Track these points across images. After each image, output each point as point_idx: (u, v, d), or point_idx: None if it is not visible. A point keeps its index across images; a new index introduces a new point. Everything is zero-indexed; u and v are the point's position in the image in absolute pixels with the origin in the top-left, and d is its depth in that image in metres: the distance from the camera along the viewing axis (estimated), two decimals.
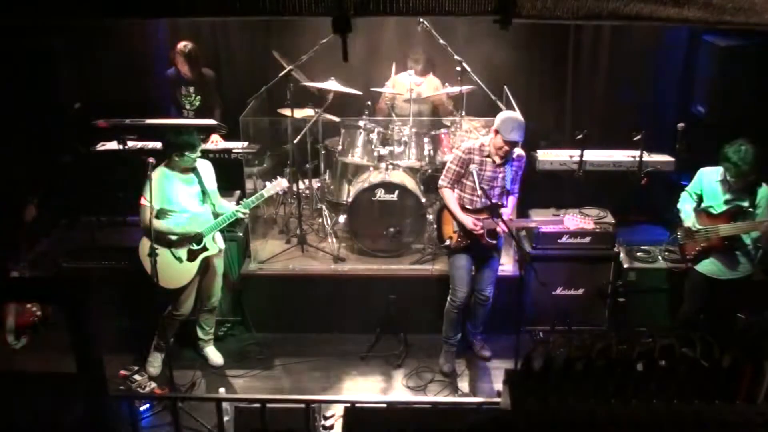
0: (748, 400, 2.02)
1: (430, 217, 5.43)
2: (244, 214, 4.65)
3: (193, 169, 4.54)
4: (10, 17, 1.67)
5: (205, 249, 4.61)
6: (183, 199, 4.50)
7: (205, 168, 4.65)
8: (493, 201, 4.43)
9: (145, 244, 4.48)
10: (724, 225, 4.33)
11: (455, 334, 4.90)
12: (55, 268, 5.26)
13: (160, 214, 4.46)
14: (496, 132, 4.31)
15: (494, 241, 4.61)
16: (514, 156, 4.47)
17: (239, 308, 5.42)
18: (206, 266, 4.73)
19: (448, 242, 4.64)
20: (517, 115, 4.45)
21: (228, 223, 4.61)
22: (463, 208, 4.57)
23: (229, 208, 4.65)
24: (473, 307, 4.87)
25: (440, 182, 4.64)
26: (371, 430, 2.56)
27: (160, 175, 4.46)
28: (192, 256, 4.59)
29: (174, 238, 4.52)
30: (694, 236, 4.47)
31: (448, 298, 4.75)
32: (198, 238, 4.55)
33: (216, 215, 4.61)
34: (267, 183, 4.76)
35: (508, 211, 4.52)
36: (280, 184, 4.75)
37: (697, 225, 4.46)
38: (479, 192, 4.36)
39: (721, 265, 4.43)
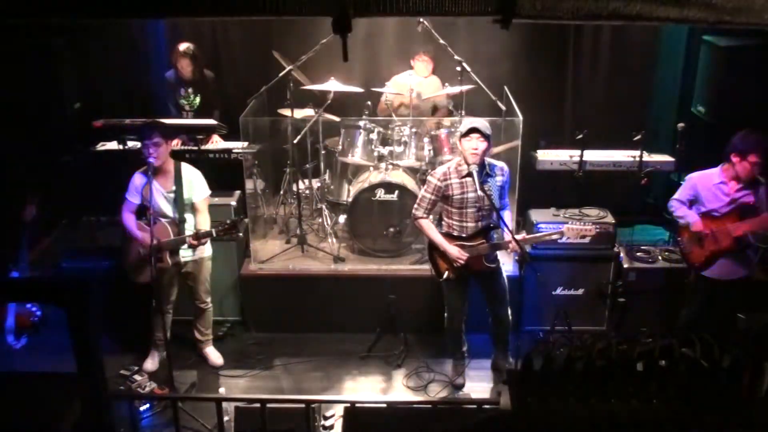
0: (748, 400, 2.02)
1: None
2: (192, 244, 4.52)
3: (177, 175, 4.54)
4: (10, 16, 1.67)
5: (159, 260, 4.47)
6: (157, 204, 4.49)
7: (190, 177, 4.61)
8: (483, 224, 4.32)
9: (122, 237, 4.68)
10: (734, 225, 4.32)
11: (459, 348, 4.88)
12: (55, 268, 5.26)
13: (141, 211, 4.56)
14: (460, 140, 4.25)
15: (493, 265, 4.43)
16: (497, 169, 4.33)
17: (239, 308, 5.43)
18: (185, 272, 4.74)
19: (446, 275, 4.47)
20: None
21: (178, 244, 4.55)
22: (456, 237, 4.39)
23: (203, 227, 4.57)
24: (492, 330, 4.76)
25: (414, 212, 4.46)
26: (371, 430, 2.57)
27: (139, 176, 4.58)
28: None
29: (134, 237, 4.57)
30: (702, 242, 4.43)
31: (445, 316, 4.73)
32: (156, 247, 4.38)
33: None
34: (221, 226, 4.51)
35: (507, 222, 4.30)
36: (234, 229, 4.58)
37: (703, 229, 4.42)
38: (481, 195, 4.16)
39: (733, 265, 4.40)
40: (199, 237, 4.49)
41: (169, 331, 4.76)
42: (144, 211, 4.61)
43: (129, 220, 4.62)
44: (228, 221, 4.60)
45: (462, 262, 4.32)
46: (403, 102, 5.82)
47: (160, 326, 4.80)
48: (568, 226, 4.35)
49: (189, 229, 4.59)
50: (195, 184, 4.63)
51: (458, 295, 4.62)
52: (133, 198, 4.60)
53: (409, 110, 5.71)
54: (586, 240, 5.12)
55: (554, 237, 4.48)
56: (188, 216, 4.62)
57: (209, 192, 4.72)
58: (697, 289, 4.62)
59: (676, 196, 4.58)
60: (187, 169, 4.63)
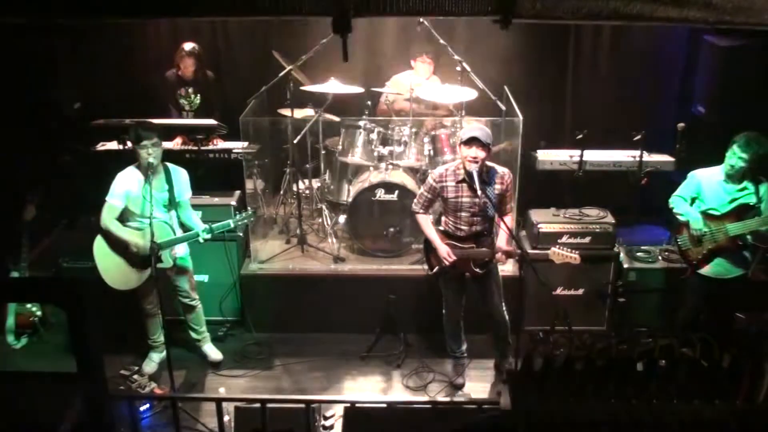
0: (748, 400, 2.02)
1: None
2: (205, 239, 4.50)
3: (166, 175, 4.51)
4: (10, 16, 1.67)
5: (159, 260, 4.37)
6: (148, 204, 4.27)
7: (179, 176, 4.60)
8: (476, 228, 4.32)
9: (99, 244, 4.51)
10: (733, 224, 4.32)
11: (458, 346, 4.88)
12: (55, 268, 5.26)
13: (125, 214, 4.46)
14: (459, 145, 4.23)
15: (481, 270, 4.40)
16: (496, 177, 4.28)
17: (239, 308, 5.43)
18: (175, 271, 4.70)
19: (435, 270, 4.51)
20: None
21: (186, 241, 4.53)
22: (451, 236, 4.40)
23: (196, 224, 4.56)
24: (491, 330, 4.74)
25: (413, 206, 4.52)
26: (371, 430, 2.57)
27: (128, 174, 4.45)
28: (144, 264, 4.45)
29: (128, 242, 4.42)
30: (702, 241, 4.43)
31: (443, 311, 4.75)
32: (154, 248, 4.27)
33: (182, 226, 4.58)
34: (238, 213, 4.62)
35: (506, 231, 4.26)
36: (249, 216, 4.60)
37: (702, 227, 4.43)
38: (476, 200, 4.19)
39: (729, 264, 4.40)
40: (213, 231, 4.47)
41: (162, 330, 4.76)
42: (124, 215, 4.49)
43: (114, 224, 4.44)
44: (244, 212, 4.58)
45: (447, 263, 4.34)
46: (403, 108, 5.80)
47: (154, 328, 4.82)
48: (554, 250, 4.30)
49: (178, 228, 4.57)
50: (183, 182, 4.62)
51: (454, 289, 4.63)
52: (117, 201, 4.41)
53: (409, 110, 5.69)
54: (586, 240, 5.12)
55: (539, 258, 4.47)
56: (178, 217, 4.61)
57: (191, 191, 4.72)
58: (694, 287, 4.62)
59: (678, 192, 4.58)
60: (174, 168, 4.60)
